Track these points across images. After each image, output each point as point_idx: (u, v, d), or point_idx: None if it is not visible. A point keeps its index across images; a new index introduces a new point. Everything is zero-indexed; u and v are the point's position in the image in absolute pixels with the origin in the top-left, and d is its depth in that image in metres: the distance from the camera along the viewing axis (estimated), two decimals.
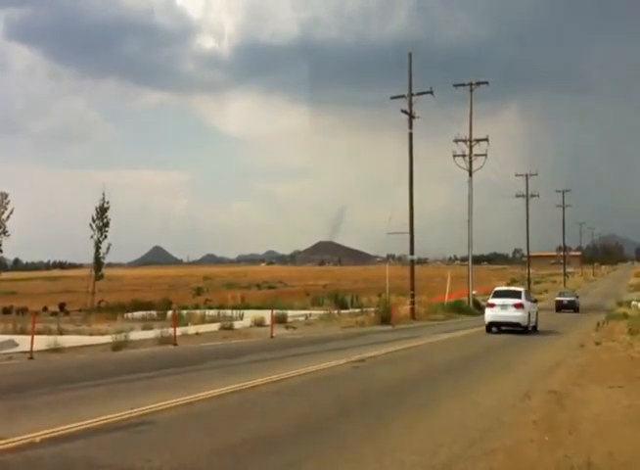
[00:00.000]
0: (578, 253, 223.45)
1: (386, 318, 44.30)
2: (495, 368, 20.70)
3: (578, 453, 9.49)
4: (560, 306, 66.69)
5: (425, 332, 36.50)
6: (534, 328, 38.62)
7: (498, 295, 38.73)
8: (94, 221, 65.30)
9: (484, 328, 36.79)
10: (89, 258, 67.48)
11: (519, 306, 36.71)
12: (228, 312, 47.78)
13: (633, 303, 62.01)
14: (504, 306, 36.92)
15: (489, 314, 37.50)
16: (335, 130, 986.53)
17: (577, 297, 71.89)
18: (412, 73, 55.80)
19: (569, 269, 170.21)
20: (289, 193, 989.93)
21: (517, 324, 36.47)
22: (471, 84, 68.55)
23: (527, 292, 47.08)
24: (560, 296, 72.12)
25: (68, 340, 25.87)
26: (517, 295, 38.36)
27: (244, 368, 19.41)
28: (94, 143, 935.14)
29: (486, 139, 68.30)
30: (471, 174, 68.39)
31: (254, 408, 13.07)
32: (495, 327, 37.09)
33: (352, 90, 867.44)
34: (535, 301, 47.74)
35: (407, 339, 30.71)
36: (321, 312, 51.51)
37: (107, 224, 65.76)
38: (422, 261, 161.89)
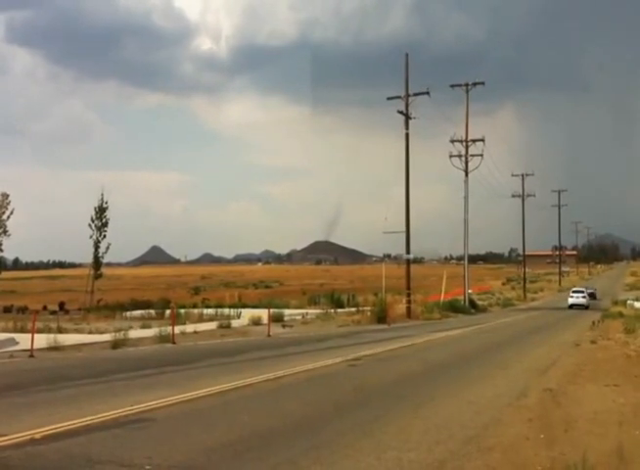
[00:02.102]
0: (574, 252, 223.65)
1: (382, 317, 44.38)
2: (491, 366, 20.72)
3: (574, 451, 9.53)
4: None
5: (421, 331, 36.55)
6: (588, 307, 72.52)
7: (574, 291, 79.89)
8: (93, 221, 65.41)
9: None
10: (88, 258, 67.57)
11: (584, 297, 76.42)
12: (225, 311, 47.64)
13: (629, 302, 62.18)
14: (577, 297, 76.27)
15: (570, 300, 75.38)
16: (332, 130, 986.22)
17: (595, 289, 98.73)
18: (409, 74, 55.81)
19: (564, 268, 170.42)
20: (286, 193, 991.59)
21: (582, 305, 73.56)
22: (467, 85, 68.63)
23: (586, 289, 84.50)
24: (575, 290, 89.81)
25: (68, 338, 25.94)
26: (583, 292, 78.98)
27: (241, 366, 19.51)
28: (93, 144, 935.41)
29: (482, 139, 68.47)
30: (467, 174, 68.56)
31: (252, 406, 13.16)
32: (573, 307, 72.96)
33: (350, 90, 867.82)
34: (589, 294, 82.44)
35: (403, 338, 30.72)
36: (318, 311, 51.55)
37: (106, 224, 65.90)
38: (418, 261, 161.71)
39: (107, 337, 27.11)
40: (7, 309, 61.02)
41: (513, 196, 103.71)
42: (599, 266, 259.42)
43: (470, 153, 68.56)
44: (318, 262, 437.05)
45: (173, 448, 9.44)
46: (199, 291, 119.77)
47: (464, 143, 68.66)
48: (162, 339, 27.04)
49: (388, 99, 56.56)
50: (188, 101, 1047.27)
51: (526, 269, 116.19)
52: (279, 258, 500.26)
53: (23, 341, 23.79)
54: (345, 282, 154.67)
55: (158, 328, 29.01)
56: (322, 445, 9.89)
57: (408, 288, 54.25)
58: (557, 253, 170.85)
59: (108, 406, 12.10)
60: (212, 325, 35.67)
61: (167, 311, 43.30)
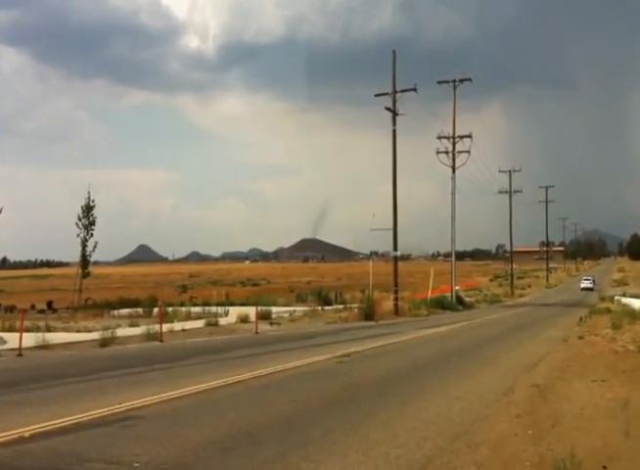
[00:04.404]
0: (561, 248, 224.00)
1: (369, 314, 44.42)
2: (479, 362, 20.72)
3: (562, 446, 9.58)
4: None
5: (408, 327, 36.55)
6: (593, 289, 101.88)
7: (585, 279, 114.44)
8: (80, 220, 65.24)
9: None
10: (76, 257, 67.40)
11: (591, 283, 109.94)
12: (213, 309, 47.77)
13: (616, 297, 62.23)
14: (586, 283, 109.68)
15: (582, 284, 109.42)
16: (320, 128, 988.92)
17: (595, 276, 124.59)
18: (396, 71, 55.76)
19: (552, 265, 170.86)
20: (273, 191, 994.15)
21: (590, 288, 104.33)
22: (454, 81, 68.66)
23: (592, 276, 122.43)
24: (585, 277, 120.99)
25: (56, 337, 25.98)
26: (590, 279, 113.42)
27: (230, 364, 19.51)
28: (82, 142, 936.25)
29: (469, 136, 68.55)
30: (454, 171, 68.64)
31: (241, 403, 13.16)
32: (583, 289, 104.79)
33: (338, 87, 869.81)
34: (592, 280, 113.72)
35: (391, 334, 30.80)
36: (305, 309, 51.59)
37: (93, 222, 65.71)
38: (405, 258, 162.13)
39: (95, 335, 27.07)
40: None
41: (500, 192, 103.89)
42: (586, 262, 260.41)
43: (457, 149, 68.69)
44: (305, 260, 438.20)
45: (161, 446, 9.44)
46: (186, 289, 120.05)
47: (451, 139, 68.73)
48: (150, 337, 27.07)
49: (376, 96, 56.54)
50: (176, 99, 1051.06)
51: (514, 266, 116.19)
52: (266, 256, 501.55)
53: (12, 340, 23.75)
54: (333, 279, 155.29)
55: (145, 326, 29.11)
56: (310, 441, 9.91)
57: (395, 285, 54.23)
58: (544, 249, 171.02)
59: (96, 404, 12.10)
60: (200, 323, 35.68)
61: (155, 310, 43.31)
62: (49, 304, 66.67)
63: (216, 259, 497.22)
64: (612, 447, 9.82)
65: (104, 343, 25.06)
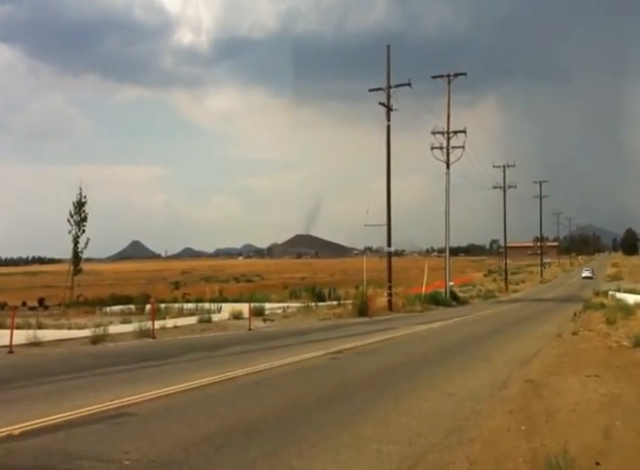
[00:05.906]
0: (556, 243, 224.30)
1: (363, 310, 44.30)
2: (473, 358, 20.69)
3: (555, 442, 9.55)
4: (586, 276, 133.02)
5: (402, 323, 36.50)
6: (592, 278, 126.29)
7: (585, 270, 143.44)
8: (72, 216, 65.03)
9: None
10: (68, 254, 67.22)
11: (590, 273, 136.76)
12: (206, 306, 47.58)
13: (610, 292, 62.24)
14: (587, 273, 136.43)
15: (583, 274, 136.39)
16: (313, 123, 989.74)
17: (593, 268, 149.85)
18: (391, 66, 55.53)
19: (546, 260, 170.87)
20: (266, 186, 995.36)
21: (590, 276, 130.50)
22: (449, 76, 68.29)
23: (591, 267, 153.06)
24: (586, 269, 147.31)
25: (48, 334, 25.92)
26: (590, 270, 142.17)
27: (222, 360, 19.48)
28: (73, 139, 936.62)
29: (464, 131, 68.15)
30: (448, 166, 68.30)
31: (233, 400, 13.13)
32: (584, 278, 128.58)
33: (332, 83, 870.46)
34: (591, 271, 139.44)
35: (384, 330, 30.73)
36: (299, 305, 51.35)
37: (84, 219, 65.47)
38: (399, 253, 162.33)
39: (86, 332, 26.94)
40: None
41: (494, 187, 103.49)
42: (580, 258, 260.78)
43: (451, 145, 68.28)
44: (299, 256, 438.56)
45: (152, 443, 9.41)
46: (179, 286, 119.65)
47: (445, 135, 68.49)
48: (142, 334, 26.97)
49: (370, 91, 56.34)
50: (169, 94, 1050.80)
51: (508, 261, 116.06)
52: (260, 252, 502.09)
53: (2, 337, 23.62)
54: (327, 275, 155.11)
55: (137, 323, 28.94)
56: (303, 438, 9.88)
57: (389, 281, 54.16)
58: (538, 244, 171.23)
59: (87, 402, 12.06)
60: (193, 320, 35.57)
61: (147, 306, 43.16)
62: (40, 300, 66.44)
63: (210, 256, 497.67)
64: (605, 443, 9.79)
65: (95, 340, 24.95)
